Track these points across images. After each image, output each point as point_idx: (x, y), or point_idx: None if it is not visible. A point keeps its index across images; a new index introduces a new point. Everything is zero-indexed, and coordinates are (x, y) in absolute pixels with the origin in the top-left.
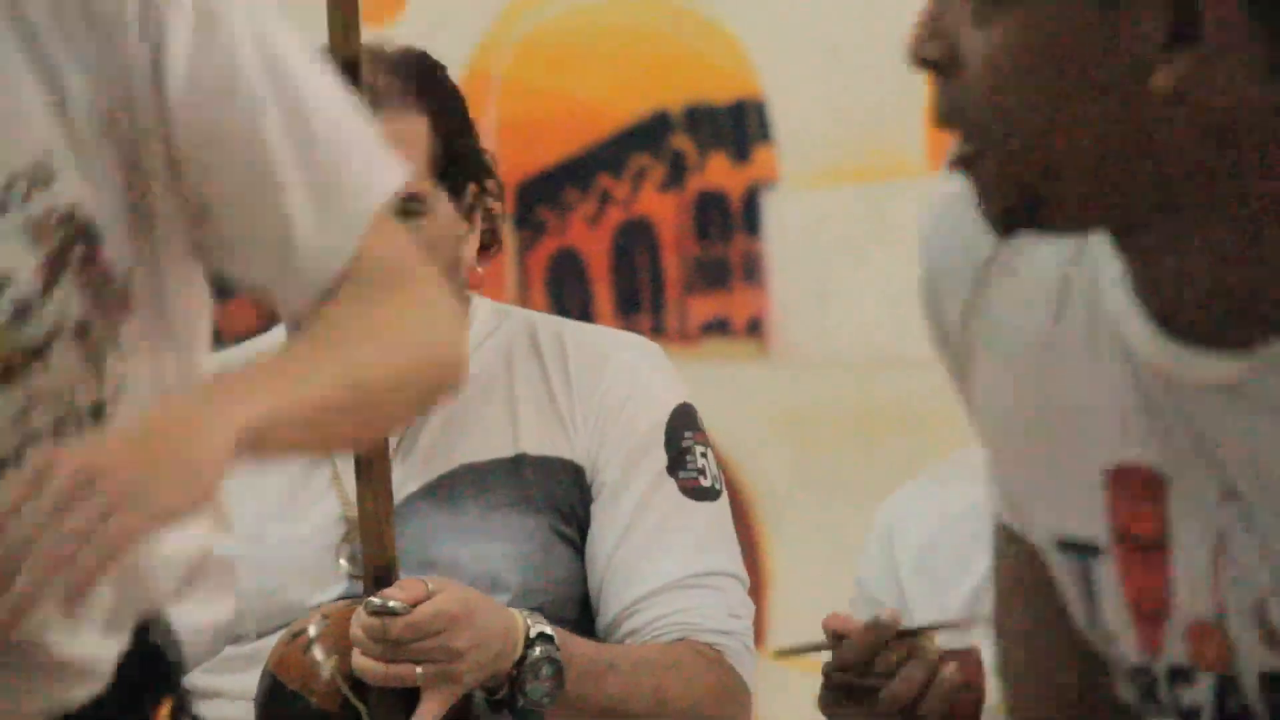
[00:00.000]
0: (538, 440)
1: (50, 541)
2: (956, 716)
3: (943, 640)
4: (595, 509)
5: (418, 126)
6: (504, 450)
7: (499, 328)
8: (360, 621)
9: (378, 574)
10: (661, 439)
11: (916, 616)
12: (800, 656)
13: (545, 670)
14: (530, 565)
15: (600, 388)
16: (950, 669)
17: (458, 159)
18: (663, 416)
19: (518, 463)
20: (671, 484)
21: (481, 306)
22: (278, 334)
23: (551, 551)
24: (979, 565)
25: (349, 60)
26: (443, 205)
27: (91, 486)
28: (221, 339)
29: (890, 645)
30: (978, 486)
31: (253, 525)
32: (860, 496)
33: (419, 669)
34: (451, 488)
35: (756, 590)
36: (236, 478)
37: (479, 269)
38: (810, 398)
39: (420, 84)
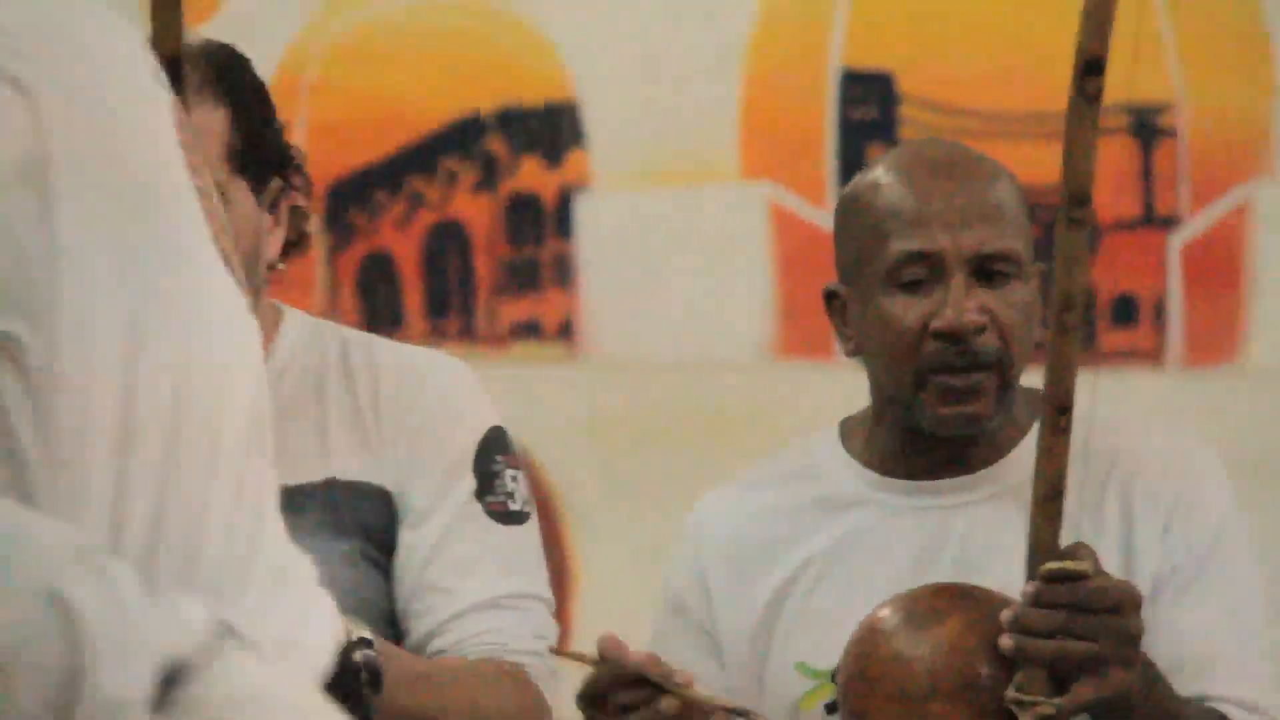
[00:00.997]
0: (348, 465)
1: None
2: None
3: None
4: (403, 532)
5: (215, 117)
6: (314, 474)
7: (311, 345)
8: None
9: None
10: (470, 464)
11: (720, 613)
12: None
13: (364, 676)
14: (341, 588)
15: (411, 414)
16: None
17: (259, 152)
18: (473, 442)
19: (329, 487)
20: (479, 508)
21: (293, 321)
22: None
23: (362, 574)
24: (784, 561)
25: (171, 58)
26: (241, 195)
27: None
28: None
29: (630, 688)
30: (785, 488)
31: None
32: (667, 499)
33: None
34: None
35: (563, 592)
36: None
37: (281, 266)
38: (619, 400)
39: (220, 76)
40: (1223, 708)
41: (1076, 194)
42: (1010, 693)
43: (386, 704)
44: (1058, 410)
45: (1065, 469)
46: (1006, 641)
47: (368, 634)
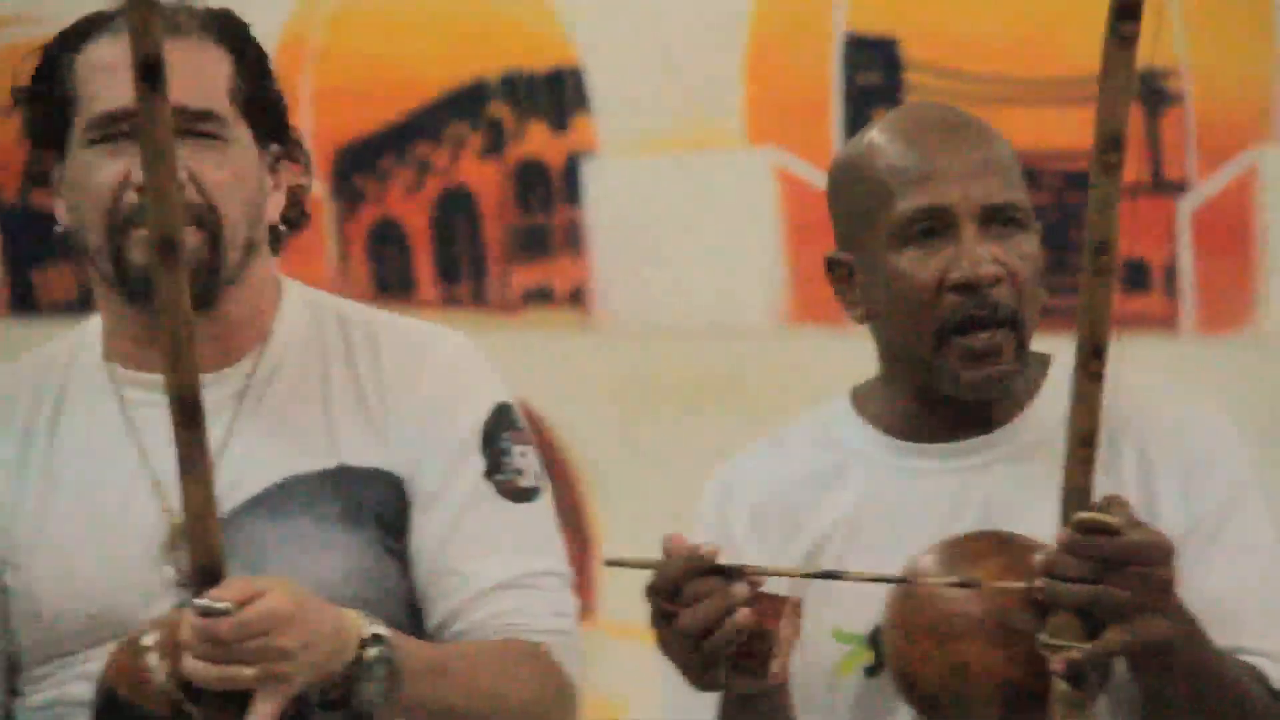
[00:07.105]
0: (357, 450)
1: None
2: (741, 657)
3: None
4: (415, 515)
5: (217, 55)
6: (325, 461)
7: (311, 325)
8: (189, 623)
9: (204, 574)
10: (479, 444)
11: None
12: (630, 569)
13: (379, 671)
14: (363, 577)
15: (416, 394)
16: (744, 613)
17: (260, 103)
18: (479, 420)
19: (342, 474)
20: (490, 487)
21: (292, 294)
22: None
23: (382, 562)
24: (808, 529)
25: (150, 60)
26: (245, 137)
27: None
28: (38, 307)
29: (702, 578)
30: (804, 456)
31: (71, 544)
32: (682, 463)
33: (249, 670)
34: (280, 501)
35: (582, 557)
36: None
37: (284, 229)
38: (631, 366)
39: (222, 26)
40: (1252, 660)
41: (1110, 137)
42: (1042, 637)
43: (407, 697)
44: (1092, 354)
45: (1099, 414)
46: (1039, 586)
47: (382, 630)
